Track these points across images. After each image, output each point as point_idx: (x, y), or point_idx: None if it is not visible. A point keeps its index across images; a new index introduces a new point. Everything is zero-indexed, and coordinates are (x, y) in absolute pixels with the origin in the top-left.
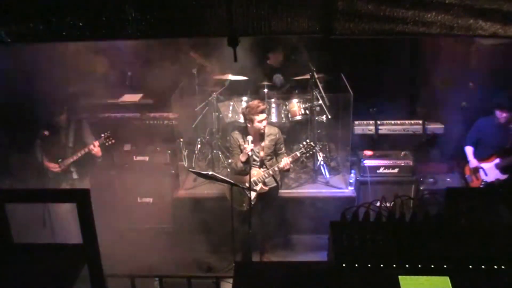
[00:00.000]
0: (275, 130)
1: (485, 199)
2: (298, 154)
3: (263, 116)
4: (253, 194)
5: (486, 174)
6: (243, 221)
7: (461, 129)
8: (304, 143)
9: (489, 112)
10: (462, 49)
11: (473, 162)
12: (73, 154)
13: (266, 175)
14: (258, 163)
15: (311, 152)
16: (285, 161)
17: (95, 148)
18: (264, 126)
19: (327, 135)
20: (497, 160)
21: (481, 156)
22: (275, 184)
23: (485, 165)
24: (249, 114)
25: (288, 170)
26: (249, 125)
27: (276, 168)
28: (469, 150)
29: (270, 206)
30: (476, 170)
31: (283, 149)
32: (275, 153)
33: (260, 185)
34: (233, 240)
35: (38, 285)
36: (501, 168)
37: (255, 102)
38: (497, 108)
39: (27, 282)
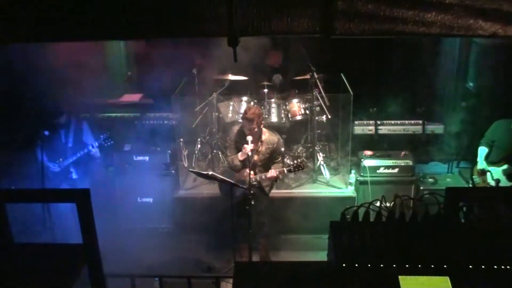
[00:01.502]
0: (273, 140)
1: (485, 199)
2: (285, 171)
3: (249, 124)
4: (239, 191)
5: (493, 178)
6: (240, 214)
7: (461, 129)
8: (295, 161)
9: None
10: (462, 48)
11: (481, 164)
12: (73, 155)
13: (253, 180)
14: (250, 165)
15: (299, 171)
16: (272, 173)
17: (93, 150)
18: (248, 134)
19: (327, 135)
20: (505, 166)
21: (492, 158)
22: (258, 185)
23: (493, 169)
24: (242, 118)
25: (276, 180)
26: None
27: (263, 177)
28: (481, 151)
29: (259, 207)
30: (483, 172)
31: (280, 158)
32: (271, 161)
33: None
34: (233, 240)
35: (38, 285)
36: (507, 175)
37: (250, 108)
38: None
39: (27, 282)
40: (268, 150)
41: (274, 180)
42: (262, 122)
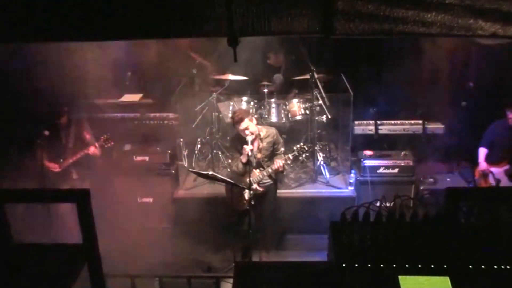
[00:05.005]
0: (272, 132)
1: (485, 199)
2: (291, 157)
3: (244, 125)
4: (248, 194)
5: (494, 179)
6: (242, 220)
7: (461, 129)
8: (298, 146)
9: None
10: (462, 48)
11: (482, 164)
12: (73, 155)
13: (261, 176)
14: (255, 164)
15: (304, 155)
16: (278, 163)
17: (93, 150)
18: (248, 134)
19: (327, 135)
20: (506, 166)
21: (493, 159)
22: (271, 182)
23: (494, 169)
24: (233, 124)
25: (282, 172)
26: None
27: (270, 170)
28: (481, 152)
29: (268, 204)
30: (485, 173)
31: (281, 149)
32: (273, 154)
33: (255, 185)
34: (233, 240)
35: (38, 285)
36: (509, 175)
37: (234, 112)
38: (508, 109)
39: (27, 282)
40: (270, 144)
41: (280, 172)
42: (253, 118)
